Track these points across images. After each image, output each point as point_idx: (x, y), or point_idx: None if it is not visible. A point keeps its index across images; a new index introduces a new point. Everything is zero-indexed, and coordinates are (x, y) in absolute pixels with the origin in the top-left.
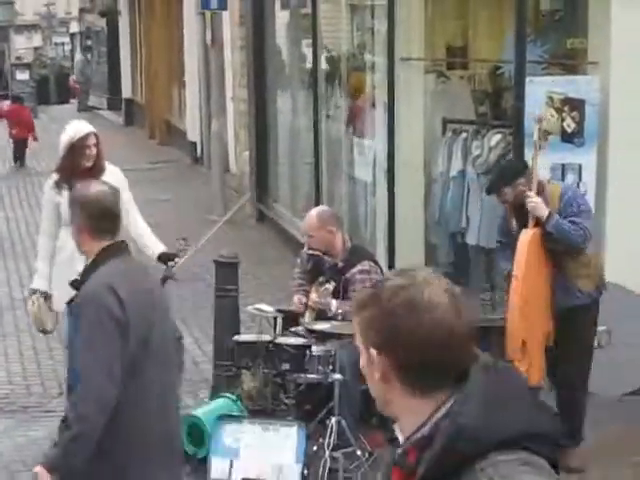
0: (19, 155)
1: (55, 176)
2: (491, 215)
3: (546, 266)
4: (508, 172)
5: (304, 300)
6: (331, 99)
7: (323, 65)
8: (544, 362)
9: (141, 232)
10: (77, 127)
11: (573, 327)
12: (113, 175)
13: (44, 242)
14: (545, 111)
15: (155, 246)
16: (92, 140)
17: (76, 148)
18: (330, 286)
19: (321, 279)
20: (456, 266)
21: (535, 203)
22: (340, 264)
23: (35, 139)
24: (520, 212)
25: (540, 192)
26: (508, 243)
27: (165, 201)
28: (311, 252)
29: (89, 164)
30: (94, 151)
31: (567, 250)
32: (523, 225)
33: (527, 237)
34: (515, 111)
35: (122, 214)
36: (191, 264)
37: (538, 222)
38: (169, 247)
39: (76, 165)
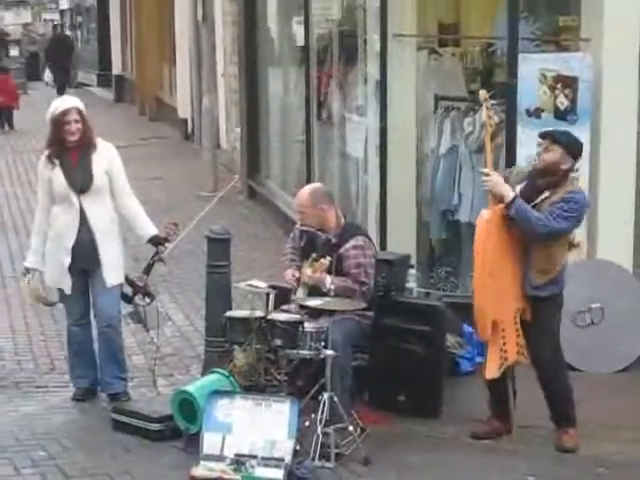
0: (7, 120)
1: (46, 152)
2: (483, 192)
3: (512, 245)
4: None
5: (297, 275)
6: (323, 76)
7: (315, 42)
8: (522, 338)
9: (133, 212)
10: (59, 102)
11: (535, 314)
12: (106, 151)
13: (38, 218)
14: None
15: (147, 228)
16: (73, 115)
17: (58, 123)
18: (326, 261)
19: (314, 255)
20: (448, 243)
21: (494, 182)
22: (334, 240)
23: (17, 107)
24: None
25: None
26: None
27: (156, 178)
28: (305, 228)
29: (74, 138)
30: (75, 126)
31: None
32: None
33: (486, 216)
34: (508, 88)
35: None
36: (182, 240)
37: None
38: (160, 225)
39: (60, 139)
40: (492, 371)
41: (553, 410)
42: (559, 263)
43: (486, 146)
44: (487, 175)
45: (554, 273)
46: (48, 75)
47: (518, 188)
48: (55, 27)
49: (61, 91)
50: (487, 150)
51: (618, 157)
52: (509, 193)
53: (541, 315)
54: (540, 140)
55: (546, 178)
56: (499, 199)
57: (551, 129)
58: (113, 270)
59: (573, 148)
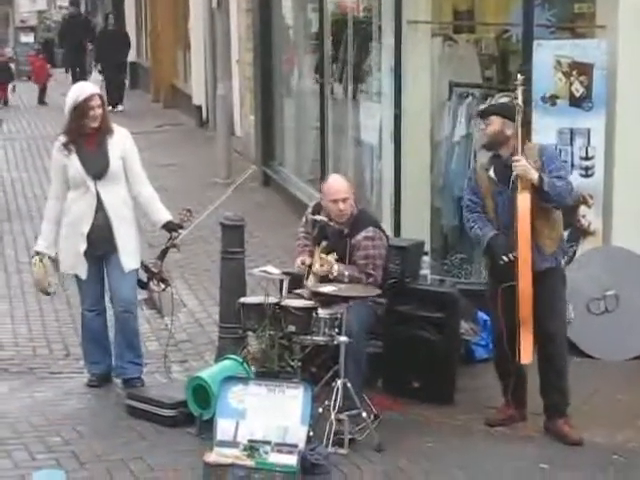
0: (40, 97)
1: (62, 138)
2: None
3: (531, 230)
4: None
5: (308, 262)
6: (337, 63)
7: (329, 28)
8: None
9: (148, 199)
10: (81, 88)
11: (545, 287)
12: (122, 137)
13: (51, 204)
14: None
15: (161, 214)
16: (96, 101)
17: (80, 109)
18: (332, 259)
19: (324, 243)
20: (461, 230)
21: (526, 166)
22: (346, 230)
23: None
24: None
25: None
26: (478, 203)
27: (170, 165)
28: (317, 218)
29: (95, 125)
30: (98, 112)
31: (544, 210)
32: (504, 179)
33: (526, 203)
34: (522, 75)
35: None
36: (196, 227)
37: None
38: (174, 212)
39: (82, 126)
40: (528, 355)
41: (552, 394)
42: (561, 227)
43: (517, 131)
44: (518, 160)
45: (559, 238)
46: (96, 77)
47: (492, 172)
48: (107, 17)
49: (116, 99)
50: (518, 135)
51: (633, 144)
52: (535, 174)
53: (552, 287)
54: (481, 122)
55: (499, 149)
56: (526, 183)
57: (485, 105)
58: (130, 255)
59: (509, 112)
